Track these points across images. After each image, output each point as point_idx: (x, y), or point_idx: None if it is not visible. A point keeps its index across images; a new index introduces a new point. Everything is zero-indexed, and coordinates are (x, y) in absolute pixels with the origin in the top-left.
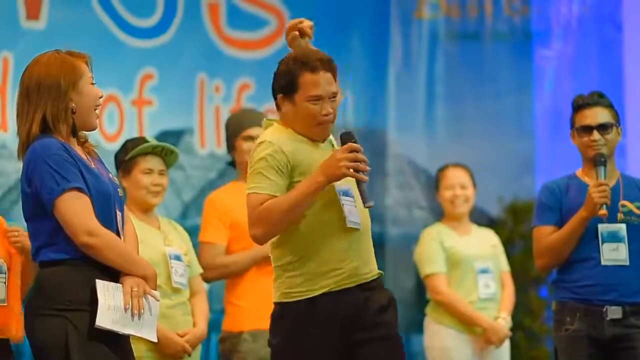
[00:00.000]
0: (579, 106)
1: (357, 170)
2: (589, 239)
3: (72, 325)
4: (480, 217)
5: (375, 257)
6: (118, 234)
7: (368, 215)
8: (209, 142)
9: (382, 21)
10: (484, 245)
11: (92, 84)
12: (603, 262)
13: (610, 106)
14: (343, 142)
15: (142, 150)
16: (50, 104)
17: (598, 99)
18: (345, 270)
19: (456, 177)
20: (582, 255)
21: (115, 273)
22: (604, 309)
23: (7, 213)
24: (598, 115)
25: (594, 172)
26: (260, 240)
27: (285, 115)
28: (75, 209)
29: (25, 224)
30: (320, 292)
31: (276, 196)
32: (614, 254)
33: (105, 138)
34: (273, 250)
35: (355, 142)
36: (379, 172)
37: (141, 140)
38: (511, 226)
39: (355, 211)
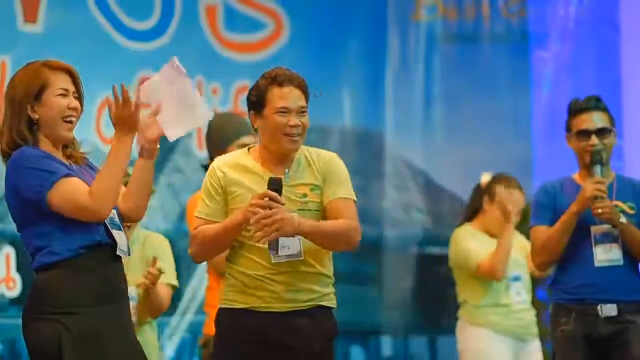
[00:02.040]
0: (576, 110)
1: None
2: (582, 239)
3: (65, 329)
4: None
5: (373, 259)
6: (109, 231)
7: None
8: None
9: (380, 23)
10: (517, 253)
11: (63, 95)
12: (596, 264)
13: (606, 110)
14: (267, 186)
15: None
16: (9, 117)
17: (595, 103)
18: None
19: (518, 202)
20: (576, 256)
21: (108, 275)
22: (599, 307)
23: (6, 217)
24: (596, 119)
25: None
26: (194, 259)
27: (259, 133)
28: (68, 191)
29: None
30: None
31: (209, 220)
32: (607, 254)
33: (103, 141)
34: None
35: (275, 190)
36: (376, 174)
37: None
38: None
39: (291, 242)
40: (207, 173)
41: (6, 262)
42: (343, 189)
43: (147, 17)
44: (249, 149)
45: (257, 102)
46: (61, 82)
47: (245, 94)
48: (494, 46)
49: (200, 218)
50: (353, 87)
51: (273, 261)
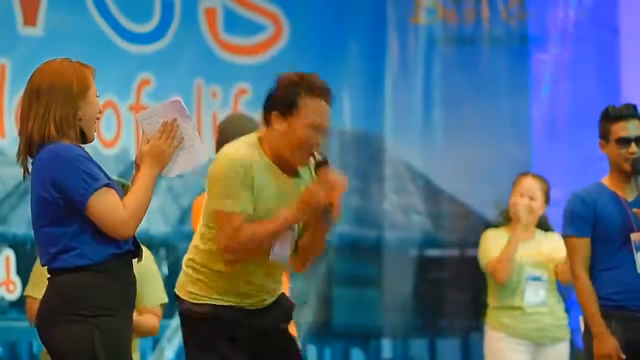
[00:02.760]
0: (616, 117)
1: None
2: (619, 247)
3: (98, 331)
4: (477, 222)
5: (373, 262)
6: (134, 240)
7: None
8: (207, 147)
9: (379, 26)
10: (541, 252)
11: (97, 96)
12: (639, 270)
13: None
14: (317, 167)
15: None
16: (60, 107)
17: (634, 111)
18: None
19: (529, 188)
20: (615, 263)
21: (132, 281)
22: None
23: (6, 219)
24: (635, 127)
25: (626, 185)
26: (233, 261)
27: (273, 132)
28: (108, 203)
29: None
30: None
31: (246, 215)
32: None
33: (102, 144)
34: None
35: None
36: (376, 177)
37: None
38: None
39: (286, 245)
40: (228, 167)
41: (6, 265)
42: None
43: (147, 20)
44: (259, 138)
45: (286, 105)
46: (94, 83)
47: (245, 96)
48: (494, 49)
49: (236, 213)
50: (353, 89)
51: (271, 258)
